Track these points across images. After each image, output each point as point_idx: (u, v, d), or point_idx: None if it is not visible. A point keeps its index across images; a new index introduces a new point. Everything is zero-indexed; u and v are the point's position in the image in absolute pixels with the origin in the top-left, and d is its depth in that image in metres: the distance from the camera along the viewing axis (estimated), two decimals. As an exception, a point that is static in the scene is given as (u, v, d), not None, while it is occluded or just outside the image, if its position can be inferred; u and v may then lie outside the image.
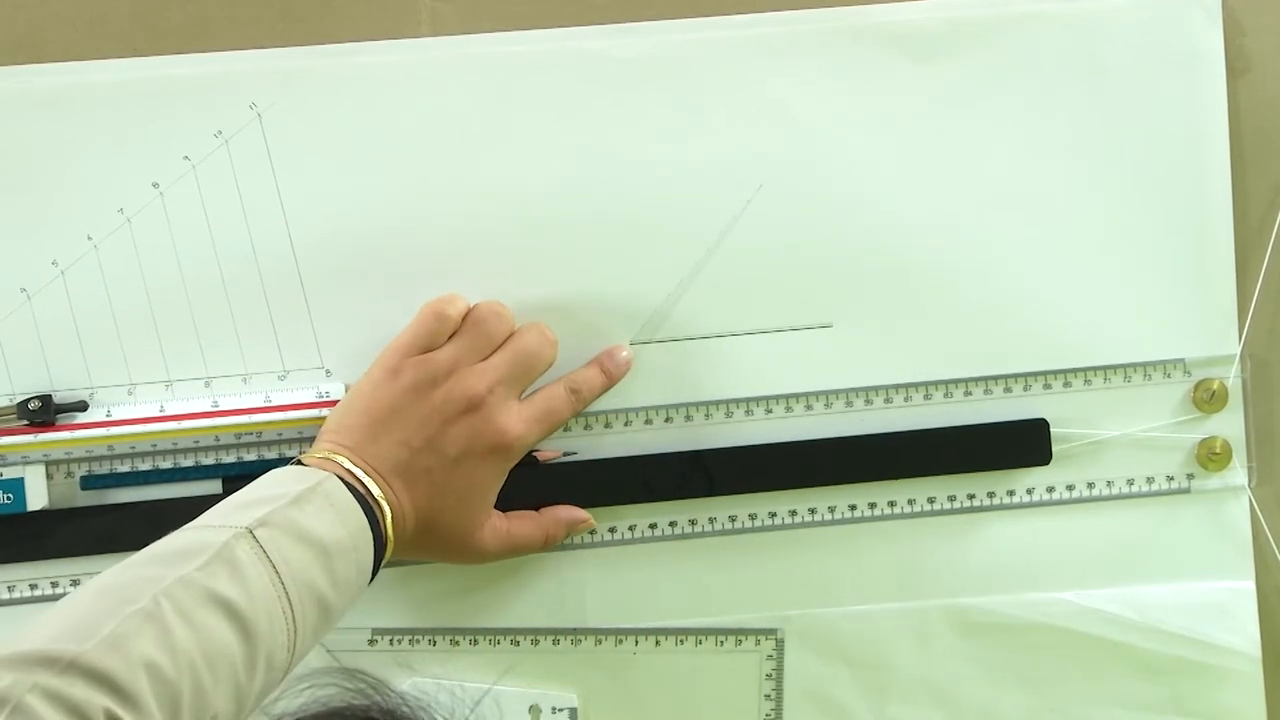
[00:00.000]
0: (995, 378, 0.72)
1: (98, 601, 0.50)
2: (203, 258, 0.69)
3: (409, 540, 0.62)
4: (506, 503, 0.69)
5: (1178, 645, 0.72)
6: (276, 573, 0.53)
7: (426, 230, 0.70)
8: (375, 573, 0.60)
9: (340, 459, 0.60)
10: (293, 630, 0.54)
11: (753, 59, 0.70)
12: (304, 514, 0.56)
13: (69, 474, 0.70)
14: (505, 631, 0.71)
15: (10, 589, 0.70)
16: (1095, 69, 0.71)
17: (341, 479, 0.59)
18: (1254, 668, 0.72)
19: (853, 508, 0.72)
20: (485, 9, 0.69)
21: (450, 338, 0.65)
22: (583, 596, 0.71)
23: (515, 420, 0.63)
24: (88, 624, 0.48)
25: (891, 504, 0.72)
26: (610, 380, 0.67)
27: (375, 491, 0.60)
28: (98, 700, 0.45)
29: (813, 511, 0.72)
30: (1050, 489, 0.72)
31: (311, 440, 0.70)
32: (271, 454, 0.70)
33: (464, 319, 0.65)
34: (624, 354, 0.68)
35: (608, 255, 0.70)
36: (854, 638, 0.72)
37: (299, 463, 0.61)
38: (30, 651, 0.46)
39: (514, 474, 0.68)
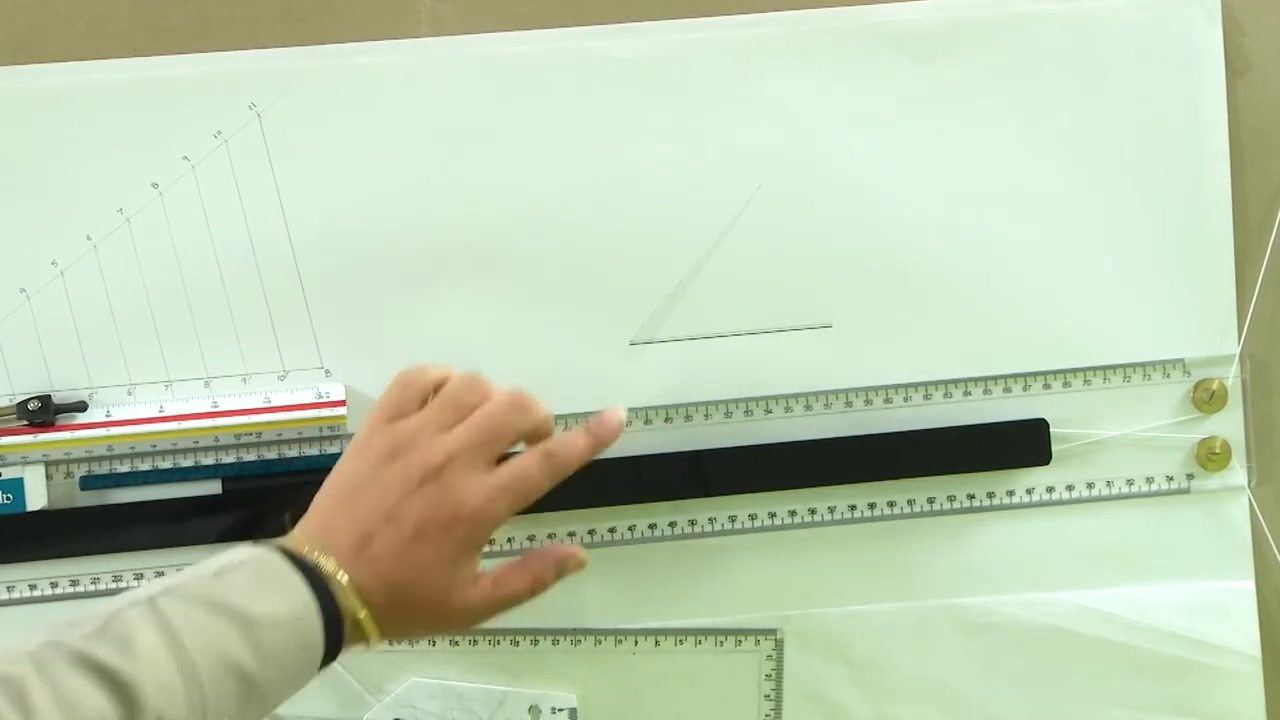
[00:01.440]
0: (995, 378, 0.72)
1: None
2: (202, 258, 0.69)
3: (385, 616, 0.58)
4: None
5: (1177, 645, 0.72)
6: (177, 641, 0.51)
7: (426, 230, 0.69)
8: (336, 653, 0.57)
9: (299, 538, 0.58)
10: (199, 700, 0.51)
11: (753, 59, 0.70)
12: (223, 583, 0.53)
13: (68, 474, 0.69)
14: (505, 632, 0.71)
15: (10, 589, 0.70)
16: (1095, 69, 0.71)
17: (294, 556, 0.57)
18: (1254, 668, 0.72)
19: (852, 508, 0.72)
20: (485, 9, 0.69)
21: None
22: (582, 597, 0.71)
23: (477, 491, 0.58)
24: None
25: (891, 504, 0.72)
26: (597, 444, 0.60)
27: (326, 567, 0.57)
28: None
29: (812, 512, 0.72)
30: (1050, 489, 0.72)
31: (311, 440, 0.70)
32: (271, 454, 0.70)
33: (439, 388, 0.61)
34: (618, 418, 0.61)
35: (608, 255, 0.70)
36: (853, 637, 0.72)
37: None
38: None
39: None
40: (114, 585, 0.70)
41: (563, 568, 0.62)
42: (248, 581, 0.54)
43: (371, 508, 0.58)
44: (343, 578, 0.56)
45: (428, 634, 0.63)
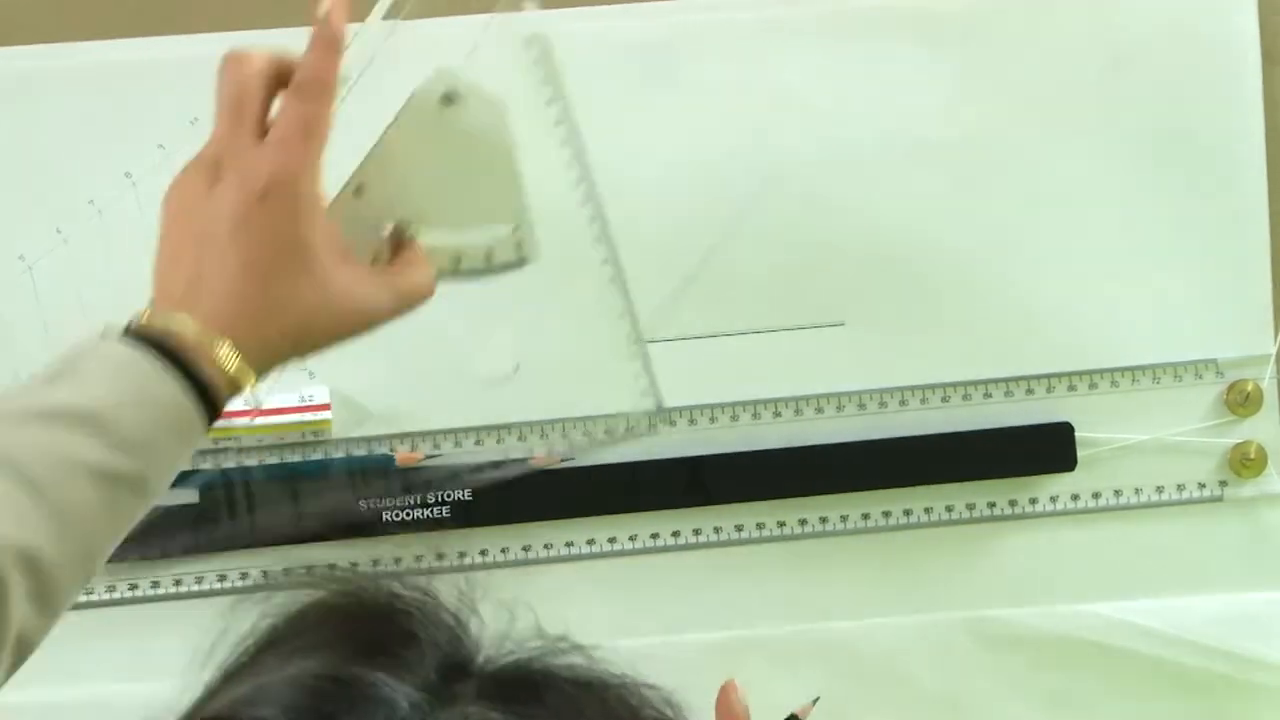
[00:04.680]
0: (1016, 379, 0.70)
1: None
2: (178, 252, 0.67)
3: (255, 329, 0.54)
4: (502, 509, 0.69)
5: (1214, 659, 0.71)
6: (15, 465, 0.47)
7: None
8: (219, 409, 0.54)
9: (135, 311, 0.55)
10: (61, 519, 0.48)
11: (760, 44, 0.69)
12: (51, 388, 0.50)
13: (36, 481, 0.67)
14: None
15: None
16: (1122, 56, 0.69)
17: (133, 334, 0.53)
18: (1295, 683, 0.71)
19: (865, 517, 0.71)
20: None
21: None
22: (585, 610, 0.68)
23: (261, 160, 0.54)
24: None
25: (907, 512, 0.71)
26: (329, 44, 0.56)
27: (159, 313, 0.53)
28: None
29: (823, 521, 0.71)
30: (1075, 496, 0.71)
31: (294, 446, 0.69)
32: (252, 460, 0.69)
33: None
34: (323, 6, 0.56)
35: (607, 251, 0.69)
36: (870, 652, 0.71)
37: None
38: None
39: (509, 480, 0.68)
40: (83, 598, 0.67)
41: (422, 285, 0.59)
42: (75, 373, 0.51)
43: (185, 248, 0.55)
44: (180, 316, 0.53)
45: (320, 336, 0.57)
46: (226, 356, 0.53)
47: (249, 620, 0.45)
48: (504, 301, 0.67)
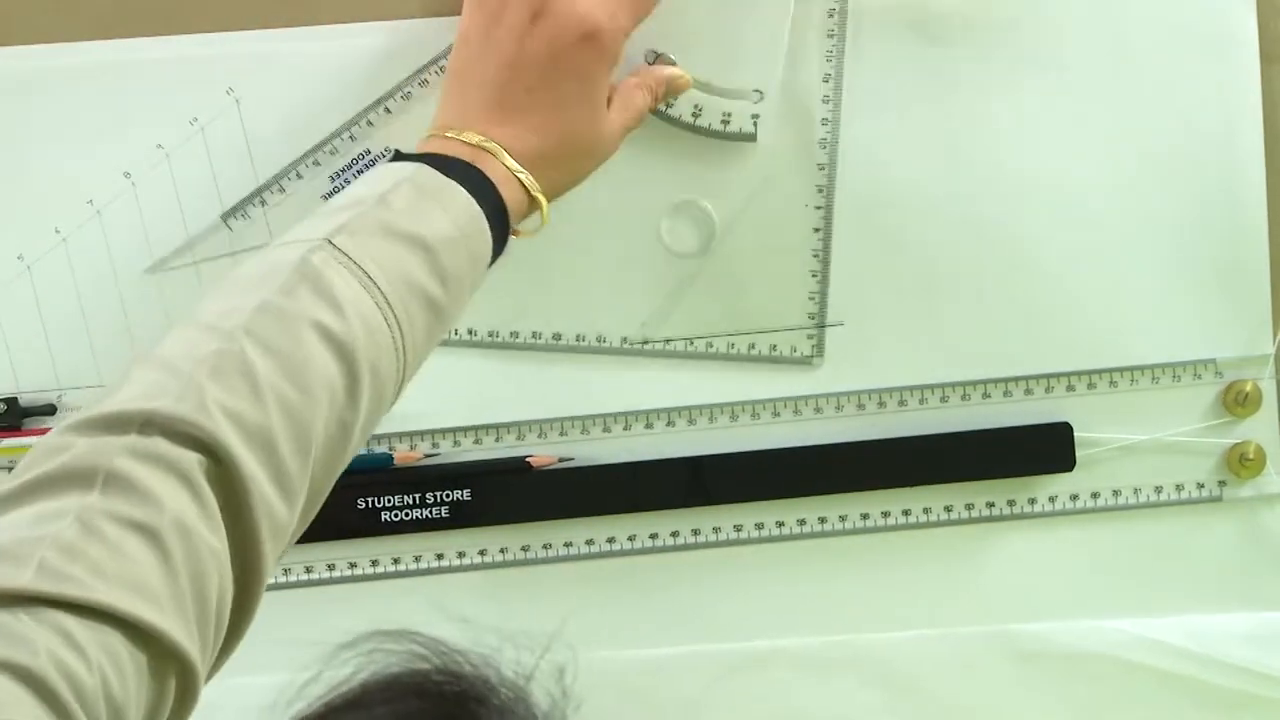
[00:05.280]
0: (1015, 379, 0.70)
1: (169, 350, 0.46)
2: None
3: (543, 168, 0.58)
4: (502, 509, 0.68)
5: (1241, 678, 0.70)
6: (367, 275, 0.50)
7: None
8: (503, 246, 0.57)
9: (439, 131, 0.58)
10: (399, 335, 0.50)
11: None
12: (392, 212, 0.52)
13: (36, 481, 0.67)
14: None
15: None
16: (1122, 55, 0.68)
17: (441, 157, 0.55)
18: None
19: (865, 517, 0.70)
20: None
21: None
22: (582, 618, 0.68)
23: (593, 5, 0.58)
24: (160, 381, 0.44)
25: (906, 513, 0.70)
26: None
27: (475, 139, 0.56)
28: (188, 456, 0.42)
29: (822, 521, 0.70)
30: (1074, 497, 0.71)
31: None
32: None
33: None
34: None
35: (607, 249, 0.68)
36: (894, 664, 0.71)
37: (398, 155, 0.57)
38: (103, 415, 0.43)
39: (509, 480, 0.68)
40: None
41: (673, 85, 0.64)
42: (412, 202, 0.53)
43: (493, 72, 0.58)
44: (492, 146, 0.56)
45: (584, 172, 0.62)
46: (531, 185, 0.57)
47: (345, 669, 0.45)
48: (510, 299, 0.67)
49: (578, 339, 0.69)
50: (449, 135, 0.57)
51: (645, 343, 0.69)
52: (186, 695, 0.42)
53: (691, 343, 0.69)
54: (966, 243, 0.69)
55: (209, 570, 0.42)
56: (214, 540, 0.42)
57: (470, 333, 0.68)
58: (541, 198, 0.58)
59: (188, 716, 0.42)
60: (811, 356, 0.69)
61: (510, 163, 0.57)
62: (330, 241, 0.50)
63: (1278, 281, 0.70)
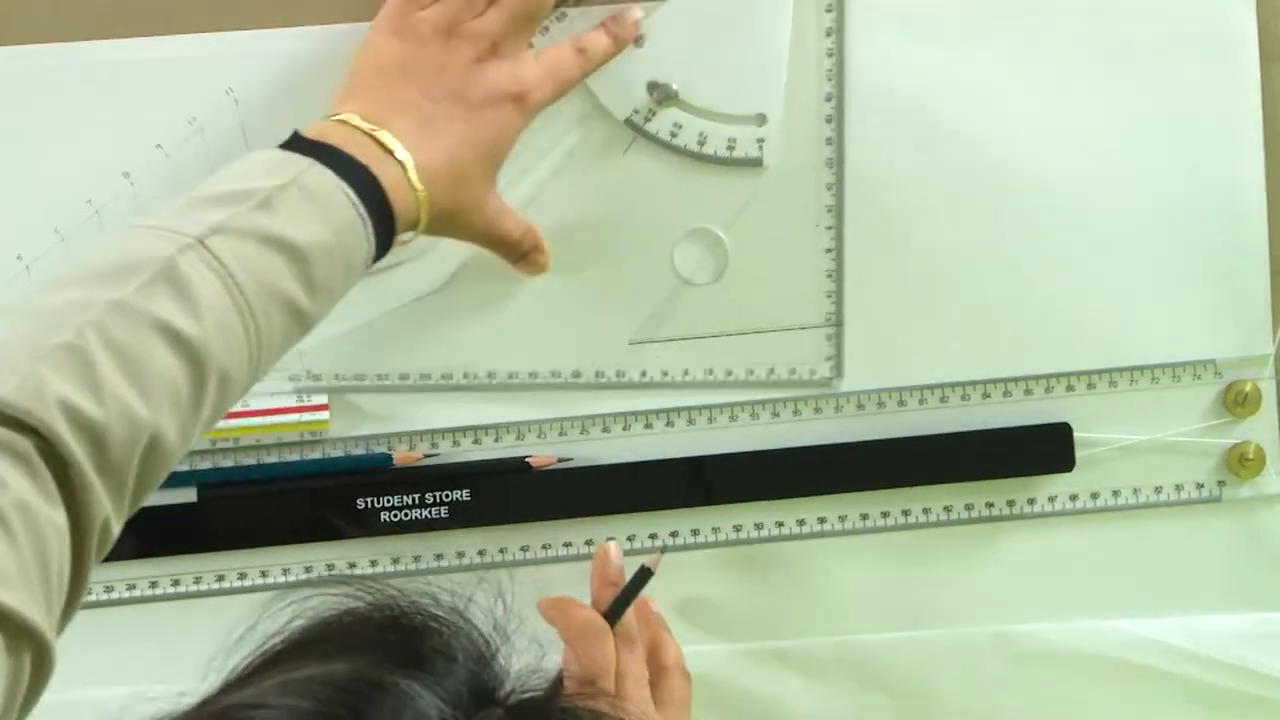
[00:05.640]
0: (1015, 379, 0.70)
1: (16, 332, 0.46)
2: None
3: (440, 198, 0.58)
4: (502, 509, 0.68)
5: (1242, 679, 0.70)
6: (234, 282, 0.50)
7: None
8: (386, 248, 0.57)
9: (350, 119, 0.57)
10: (255, 346, 0.50)
11: None
12: (273, 218, 0.52)
13: (35, 481, 0.67)
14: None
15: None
16: (1120, 53, 0.68)
17: (340, 153, 0.55)
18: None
19: (864, 517, 0.70)
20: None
21: None
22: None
23: (531, 70, 0.61)
24: (3, 361, 0.45)
25: (905, 513, 0.70)
26: (618, 43, 0.64)
27: (389, 141, 0.57)
28: (23, 440, 0.43)
29: (822, 521, 0.70)
30: (1073, 497, 0.70)
31: (293, 445, 0.68)
32: (250, 459, 0.68)
33: None
34: (634, 15, 0.64)
35: (605, 249, 0.68)
36: (895, 665, 0.71)
37: (297, 136, 0.57)
38: None
39: (508, 481, 0.68)
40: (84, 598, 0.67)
41: (527, 256, 0.65)
42: (295, 207, 0.53)
43: (431, 83, 0.59)
44: (404, 158, 0.57)
45: (453, 226, 0.62)
46: (424, 204, 0.58)
47: (281, 619, 0.45)
48: (505, 300, 0.67)
49: (597, 375, 0.69)
50: (359, 125, 0.57)
51: (665, 375, 0.69)
52: (41, 670, 0.42)
53: (711, 371, 0.69)
54: (967, 244, 0.69)
55: (51, 546, 0.43)
56: (56, 516, 0.43)
57: (489, 375, 0.68)
58: (424, 219, 0.58)
59: (43, 690, 0.43)
60: (831, 379, 0.69)
61: (413, 176, 0.57)
62: (203, 242, 0.50)
63: (1277, 282, 0.69)
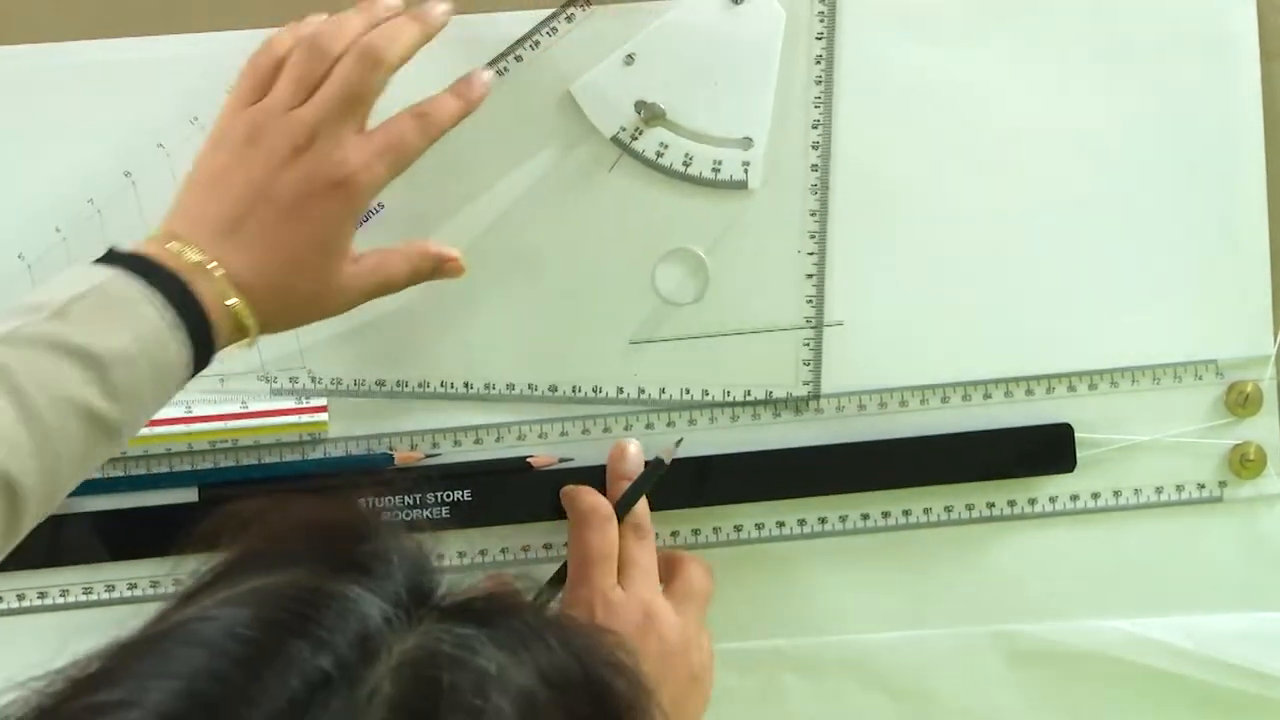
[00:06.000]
0: (1016, 379, 0.70)
1: None
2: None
3: (262, 303, 0.57)
4: (502, 509, 0.68)
5: (1242, 678, 0.70)
6: (17, 390, 0.50)
7: (415, 225, 0.67)
8: (208, 358, 0.56)
9: (159, 237, 0.57)
10: (51, 456, 0.50)
11: None
12: (67, 325, 0.52)
13: (35, 480, 0.67)
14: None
15: (-25, 601, 0.68)
16: (1120, 53, 0.68)
17: (153, 264, 0.55)
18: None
19: (865, 517, 0.70)
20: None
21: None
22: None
23: (353, 155, 0.58)
24: None
25: (906, 513, 0.70)
26: (467, 105, 0.61)
27: (192, 258, 0.55)
28: None
29: (822, 521, 0.70)
30: (1074, 497, 0.70)
31: (292, 445, 0.68)
32: (250, 459, 0.68)
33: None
34: (484, 77, 0.62)
35: (605, 251, 0.68)
36: (895, 665, 0.71)
37: (111, 252, 0.56)
38: None
39: (509, 481, 0.67)
40: (84, 597, 0.68)
41: (440, 269, 0.63)
42: (93, 314, 0.52)
43: (240, 191, 0.57)
44: (213, 268, 0.56)
45: (304, 319, 0.61)
46: (242, 312, 0.56)
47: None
48: (505, 300, 0.67)
49: (574, 390, 0.69)
50: (170, 247, 0.56)
51: (642, 392, 0.69)
52: None
53: (687, 391, 0.69)
54: (967, 244, 0.69)
55: None
56: None
57: (466, 385, 0.68)
58: (252, 326, 0.57)
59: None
60: (808, 398, 0.69)
61: (225, 289, 0.56)
62: None
63: (1278, 282, 0.69)
